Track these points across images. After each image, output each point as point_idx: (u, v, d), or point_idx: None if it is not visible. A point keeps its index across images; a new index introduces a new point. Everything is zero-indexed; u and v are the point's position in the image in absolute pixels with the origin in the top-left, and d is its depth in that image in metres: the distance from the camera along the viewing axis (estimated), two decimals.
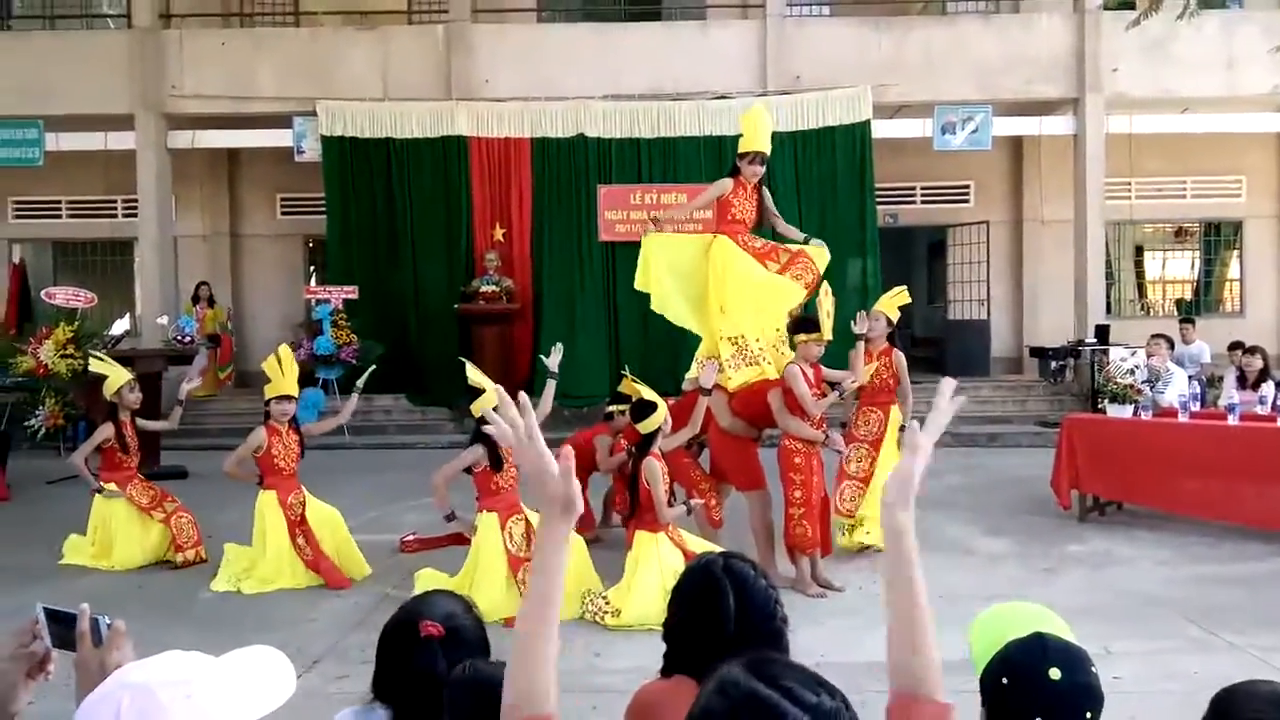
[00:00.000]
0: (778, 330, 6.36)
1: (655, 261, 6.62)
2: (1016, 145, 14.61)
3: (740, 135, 6.60)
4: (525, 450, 1.39)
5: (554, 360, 5.95)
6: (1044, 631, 1.54)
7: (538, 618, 1.34)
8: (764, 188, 6.58)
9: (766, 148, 6.48)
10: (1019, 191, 14.85)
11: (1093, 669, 1.51)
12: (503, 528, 5.44)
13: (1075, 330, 13.09)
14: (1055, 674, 1.46)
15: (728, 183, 6.43)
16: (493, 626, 4.97)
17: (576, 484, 1.37)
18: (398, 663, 1.70)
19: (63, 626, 1.52)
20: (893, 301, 6.78)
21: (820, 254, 6.56)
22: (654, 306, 6.77)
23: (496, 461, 5.50)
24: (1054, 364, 12.95)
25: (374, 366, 7.55)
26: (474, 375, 5.67)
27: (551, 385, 5.96)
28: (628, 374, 6.73)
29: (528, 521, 5.51)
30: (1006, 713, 1.49)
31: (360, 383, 6.76)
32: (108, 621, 1.51)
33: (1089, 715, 1.47)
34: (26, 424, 10.27)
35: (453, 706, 1.48)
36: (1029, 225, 14.77)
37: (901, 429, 6.61)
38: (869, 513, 6.16)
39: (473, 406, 5.65)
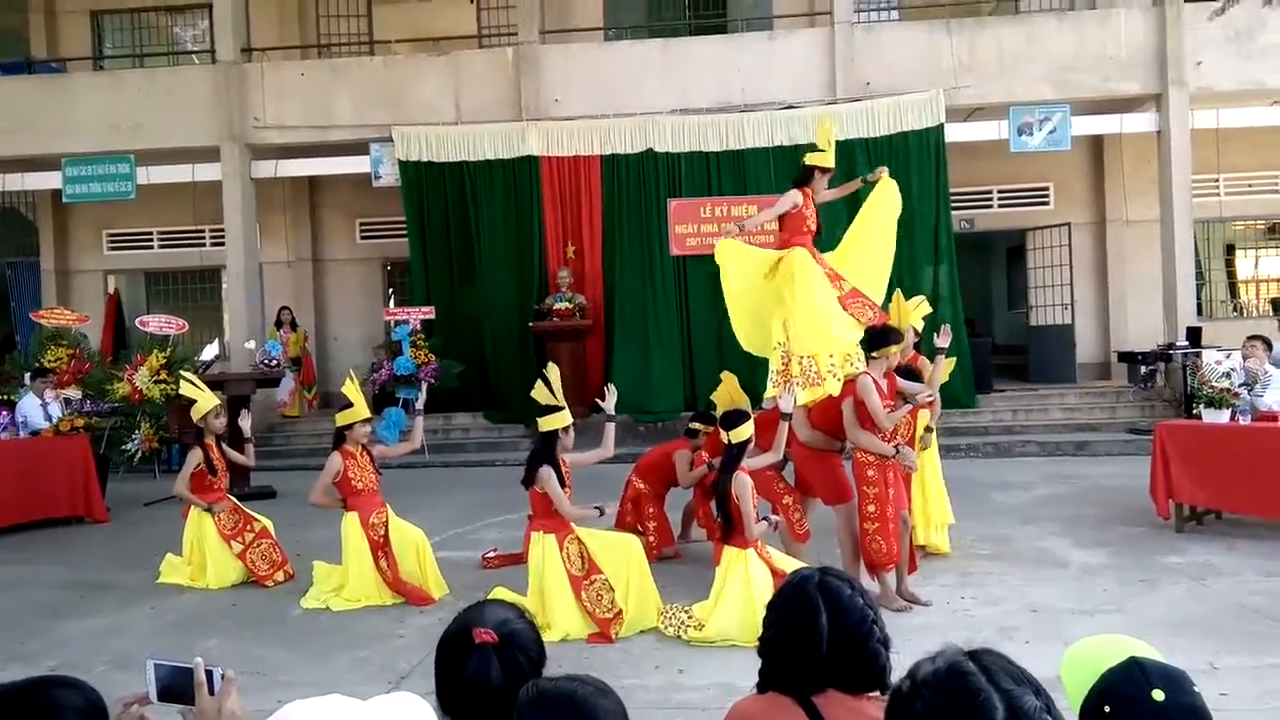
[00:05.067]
0: (847, 356, 6.23)
1: (725, 271, 6.58)
2: (1097, 144, 14.23)
3: (812, 145, 6.51)
4: None
5: (610, 403, 5.85)
6: (1138, 655, 1.48)
7: None
8: None
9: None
10: (1101, 192, 14.45)
11: (1195, 689, 1.45)
12: (560, 548, 5.39)
13: (1165, 334, 12.65)
14: (1159, 696, 1.40)
15: (799, 195, 6.36)
16: (572, 645, 5.02)
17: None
18: (453, 671, 1.71)
19: (176, 679, 1.64)
20: (915, 312, 6.71)
21: (889, 191, 6.62)
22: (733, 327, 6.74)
23: (560, 481, 5.48)
24: (1144, 369, 12.54)
25: (425, 384, 7.68)
26: (544, 391, 5.66)
27: (611, 428, 5.85)
28: (726, 374, 6.73)
29: (580, 540, 5.47)
30: None
31: (420, 404, 6.85)
32: (221, 672, 1.63)
33: None
34: (124, 448, 10.67)
35: None
36: (1113, 226, 14.36)
37: (928, 429, 6.49)
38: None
39: (541, 421, 5.60)
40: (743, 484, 5.26)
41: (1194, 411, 7.69)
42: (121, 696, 1.63)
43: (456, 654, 1.73)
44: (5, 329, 15.83)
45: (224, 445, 7.18)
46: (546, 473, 5.40)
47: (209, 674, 1.63)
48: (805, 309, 6.13)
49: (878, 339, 5.72)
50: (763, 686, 1.95)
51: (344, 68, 13.67)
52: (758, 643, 1.99)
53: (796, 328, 6.14)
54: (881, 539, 5.50)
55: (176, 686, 1.64)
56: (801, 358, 6.08)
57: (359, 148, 13.23)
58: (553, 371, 5.70)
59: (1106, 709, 1.43)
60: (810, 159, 6.42)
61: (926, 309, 6.83)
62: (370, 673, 4.77)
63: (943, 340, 5.95)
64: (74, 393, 10.48)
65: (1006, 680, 1.23)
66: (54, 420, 9.49)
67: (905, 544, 5.70)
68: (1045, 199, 14.60)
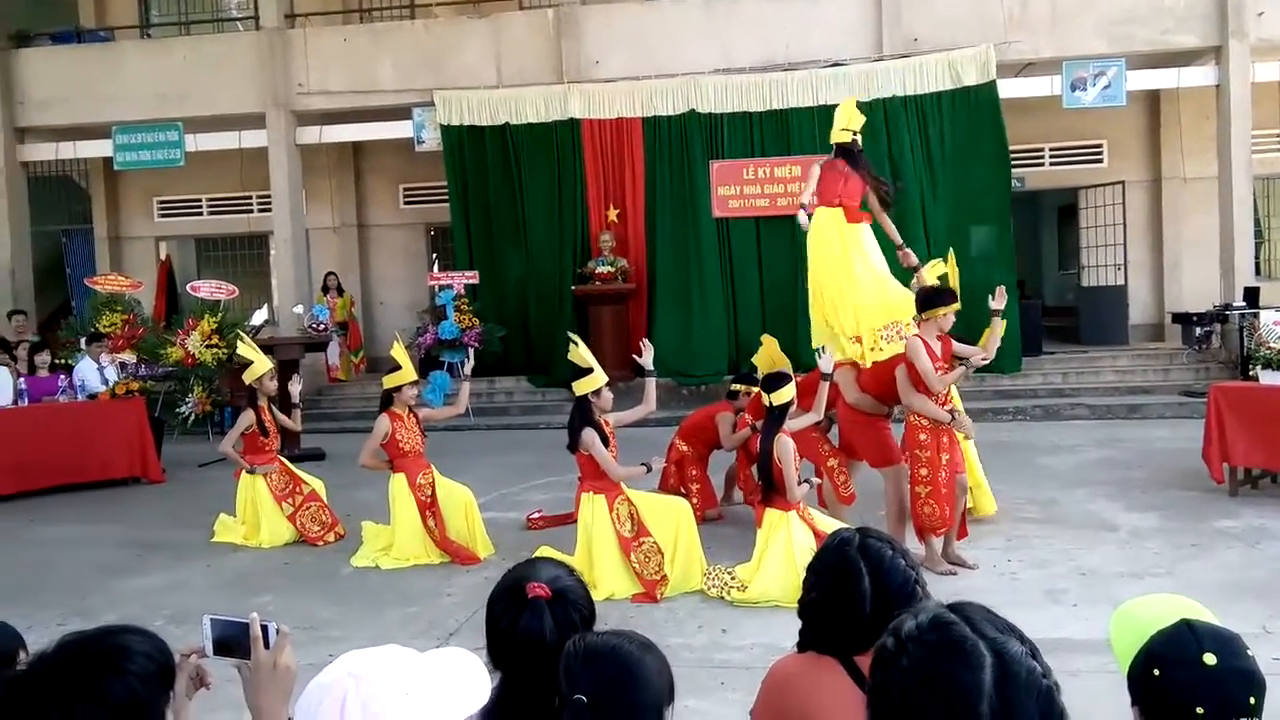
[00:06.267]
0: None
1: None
2: (1153, 99, 13.81)
3: (857, 102, 6.41)
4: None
5: (647, 359, 5.85)
6: (1190, 617, 1.45)
7: None
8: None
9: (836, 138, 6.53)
10: (1157, 148, 14.04)
11: (1249, 652, 1.41)
12: (611, 509, 5.44)
13: (1222, 294, 12.34)
14: (1210, 660, 1.37)
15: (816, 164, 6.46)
16: (616, 604, 5.07)
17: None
18: (506, 626, 1.74)
19: (232, 634, 1.68)
20: (930, 273, 6.64)
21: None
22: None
23: (604, 440, 5.51)
24: (1199, 330, 12.25)
25: (471, 348, 7.76)
26: (579, 354, 5.68)
27: (651, 382, 5.85)
28: (767, 337, 6.73)
29: (631, 502, 5.51)
30: (1163, 708, 1.39)
31: (468, 370, 6.91)
32: (275, 627, 1.66)
33: (1252, 701, 1.38)
34: (177, 410, 10.91)
35: (570, 679, 1.49)
36: (1168, 184, 13.98)
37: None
38: None
39: (575, 385, 5.64)
40: (785, 447, 5.25)
41: (1250, 373, 7.53)
42: (177, 647, 1.68)
43: (509, 609, 1.75)
44: (61, 295, 16.19)
45: (274, 408, 7.33)
46: (589, 436, 5.43)
47: (264, 629, 1.66)
48: (856, 284, 6.14)
49: (928, 301, 5.63)
50: (803, 646, 1.95)
51: (385, 32, 13.66)
52: (798, 605, 2.00)
53: (891, 286, 6.11)
54: (934, 503, 5.46)
55: (231, 641, 1.68)
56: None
57: (402, 112, 13.25)
58: (578, 342, 5.74)
59: (1156, 672, 1.40)
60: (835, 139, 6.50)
61: (941, 269, 6.77)
62: (419, 629, 4.87)
63: (998, 303, 5.80)
64: (129, 357, 10.72)
65: (990, 628, 1.22)
66: (110, 384, 9.72)
67: (959, 508, 5.65)
68: (1099, 156, 14.23)
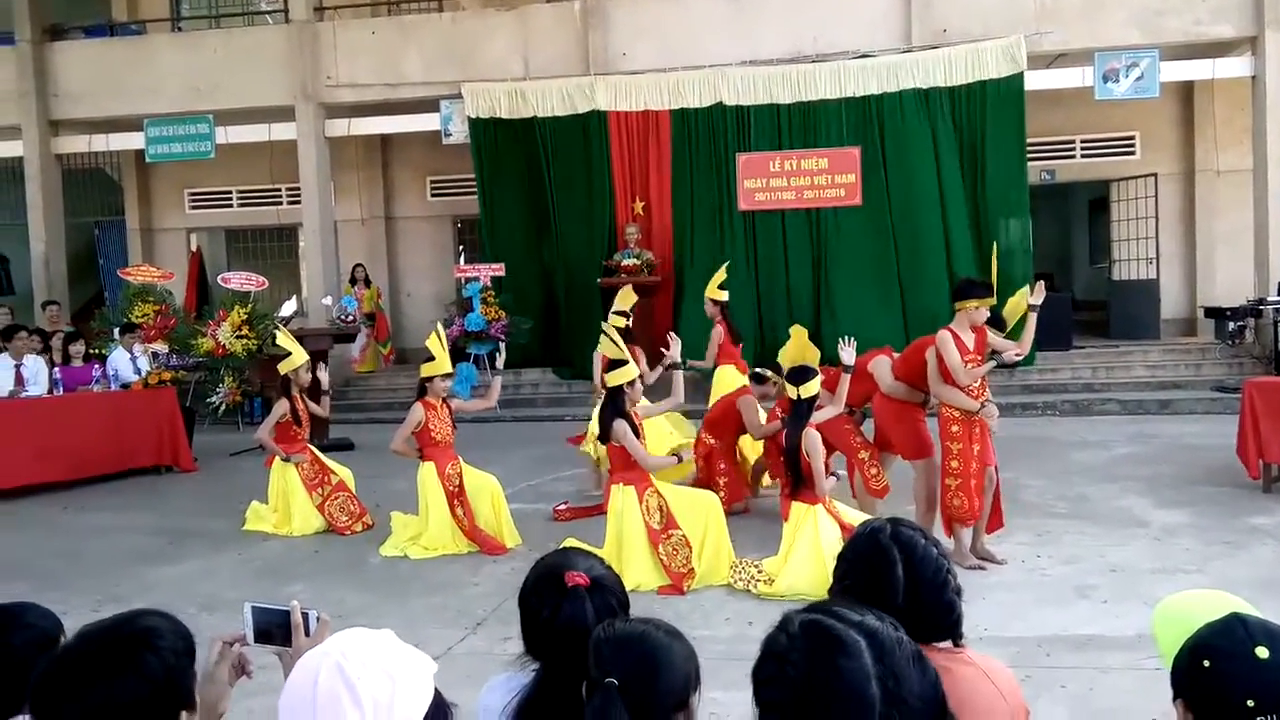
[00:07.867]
0: None
1: None
2: (1186, 90, 13.61)
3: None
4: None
5: (675, 352, 5.91)
6: (1240, 612, 1.44)
7: None
8: None
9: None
10: (1190, 140, 13.84)
11: None
12: (640, 501, 5.44)
13: (1255, 288, 12.15)
14: (1263, 653, 1.35)
15: None
16: (641, 596, 5.07)
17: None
18: (546, 616, 1.75)
19: (272, 621, 1.70)
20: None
21: None
22: None
23: (635, 432, 5.51)
24: (1232, 325, 12.07)
25: (500, 341, 7.98)
26: (610, 348, 5.69)
27: (680, 376, 5.93)
28: (796, 328, 6.75)
29: (660, 494, 5.51)
30: (1211, 700, 1.38)
31: (500, 364, 6.98)
32: (316, 615, 1.67)
33: None
34: (208, 400, 11.03)
35: (599, 663, 1.50)
36: (1202, 176, 13.78)
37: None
38: None
39: (609, 376, 5.65)
40: (813, 440, 5.25)
41: None
42: (220, 635, 1.70)
43: (548, 599, 1.77)
44: (95, 286, 16.41)
45: (305, 397, 7.40)
46: (621, 427, 5.44)
47: (305, 616, 1.68)
48: None
49: (960, 292, 5.60)
50: None
51: (413, 25, 13.70)
52: (828, 595, 1.98)
53: None
54: (963, 495, 5.44)
55: (272, 628, 1.69)
56: None
57: (429, 105, 13.30)
58: (610, 333, 5.76)
59: (1205, 663, 1.39)
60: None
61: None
62: (448, 618, 4.89)
63: (1035, 298, 5.76)
64: (161, 347, 10.84)
65: (851, 614, 1.30)
66: (143, 374, 9.84)
67: (988, 500, 5.61)
68: (1131, 149, 14.05)
